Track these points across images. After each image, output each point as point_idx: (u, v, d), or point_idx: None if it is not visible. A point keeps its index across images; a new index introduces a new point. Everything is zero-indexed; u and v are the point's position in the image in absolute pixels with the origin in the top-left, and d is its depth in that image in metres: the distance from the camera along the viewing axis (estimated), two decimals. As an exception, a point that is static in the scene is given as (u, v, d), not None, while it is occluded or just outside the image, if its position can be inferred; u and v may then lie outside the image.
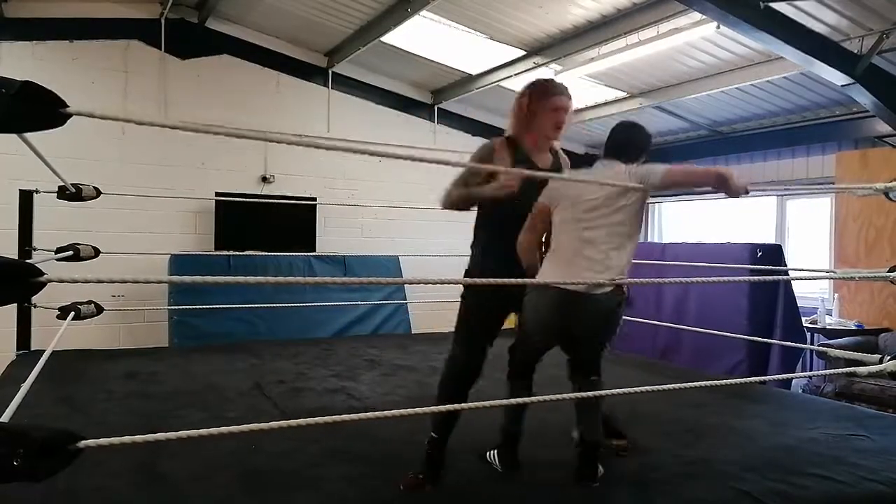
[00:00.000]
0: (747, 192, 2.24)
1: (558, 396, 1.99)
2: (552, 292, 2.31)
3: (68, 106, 1.31)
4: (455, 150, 6.67)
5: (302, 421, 1.60)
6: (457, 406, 1.99)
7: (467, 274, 2.56)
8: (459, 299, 2.52)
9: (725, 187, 2.20)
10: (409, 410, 1.95)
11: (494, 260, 2.49)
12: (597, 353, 2.44)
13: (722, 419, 3.17)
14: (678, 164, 2.36)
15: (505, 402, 2.43)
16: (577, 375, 2.44)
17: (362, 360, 4.53)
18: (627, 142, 2.47)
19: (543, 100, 2.49)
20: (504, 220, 2.46)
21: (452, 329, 2.54)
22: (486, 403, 2.03)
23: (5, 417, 1.52)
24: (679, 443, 2.77)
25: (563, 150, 2.74)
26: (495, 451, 2.48)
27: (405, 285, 7.01)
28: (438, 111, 7.62)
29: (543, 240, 2.51)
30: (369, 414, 1.73)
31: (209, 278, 1.56)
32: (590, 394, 2.20)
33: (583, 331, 2.37)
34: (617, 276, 2.27)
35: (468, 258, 2.59)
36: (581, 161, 4.58)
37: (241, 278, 1.54)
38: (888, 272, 2.42)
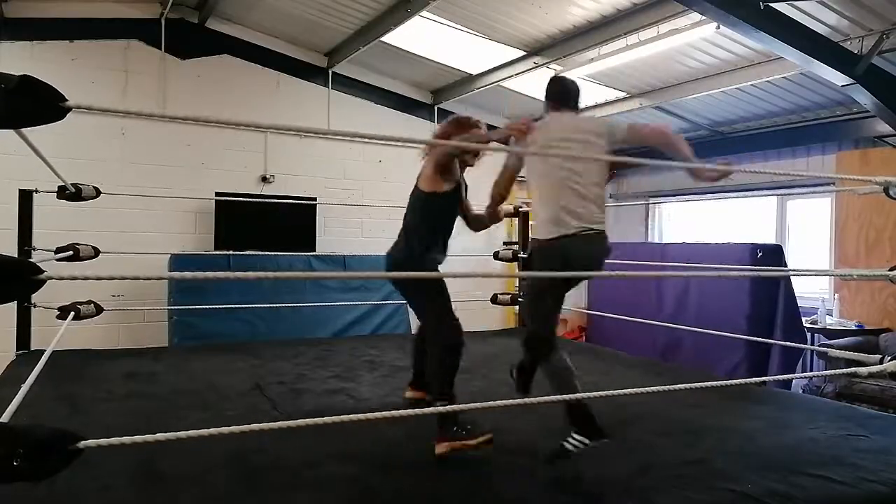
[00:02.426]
0: (727, 175, 2.39)
1: (560, 396, 1.99)
2: (563, 241, 2.47)
3: (67, 100, 1.30)
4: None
5: (302, 421, 1.60)
6: (458, 406, 1.99)
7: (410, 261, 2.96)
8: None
9: (682, 154, 2.46)
10: (409, 411, 1.95)
11: (438, 254, 2.88)
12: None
13: (722, 419, 3.17)
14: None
15: (502, 402, 2.42)
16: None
17: (362, 360, 4.52)
18: (574, 92, 2.74)
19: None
20: (447, 220, 2.90)
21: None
22: (488, 404, 2.03)
23: (5, 417, 1.52)
24: (679, 443, 2.77)
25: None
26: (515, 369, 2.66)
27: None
28: (438, 111, 7.62)
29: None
30: (369, 414, 1.73)
31: (210, 274, 1.56)
32: (590, 394, 2.19)
33: (595, 265, 2.57)
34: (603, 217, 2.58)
35: (403, 250, 2.98)
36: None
37: (241, 273, 1.54)
38: (888, 271, 2.42)
